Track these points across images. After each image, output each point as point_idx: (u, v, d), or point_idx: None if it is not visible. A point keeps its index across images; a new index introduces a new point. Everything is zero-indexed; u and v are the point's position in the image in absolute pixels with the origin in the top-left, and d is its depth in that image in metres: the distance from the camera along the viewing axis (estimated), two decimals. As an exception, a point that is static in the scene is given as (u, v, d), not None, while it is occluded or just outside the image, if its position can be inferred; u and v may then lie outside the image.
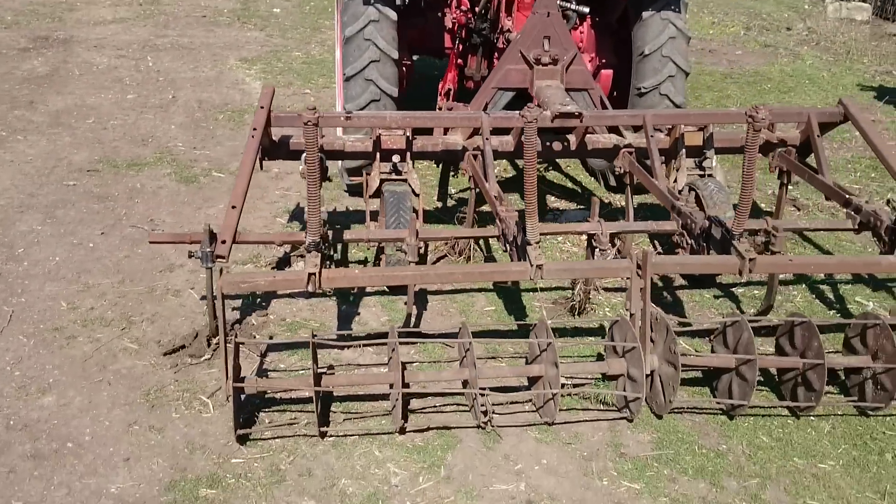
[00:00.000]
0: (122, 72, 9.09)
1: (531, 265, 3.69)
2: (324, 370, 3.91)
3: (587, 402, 4.00)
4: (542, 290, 4.95)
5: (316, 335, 3.79)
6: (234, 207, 4.01)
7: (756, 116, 3.52)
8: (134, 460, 3.50)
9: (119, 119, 7.58)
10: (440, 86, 6.22)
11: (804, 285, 5.12)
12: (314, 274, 3.54)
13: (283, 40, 10.66)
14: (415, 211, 4.77)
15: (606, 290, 4.97)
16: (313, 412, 3.61)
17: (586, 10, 5.65)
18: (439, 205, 6.01)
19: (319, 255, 3.63)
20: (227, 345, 3.44)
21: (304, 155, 3.69)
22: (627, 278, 3.81)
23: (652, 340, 3.82)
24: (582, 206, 6.09)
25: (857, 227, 4.44)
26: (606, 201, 6.15)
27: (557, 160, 6.86)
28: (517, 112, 5.01)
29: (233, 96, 8.44)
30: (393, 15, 5.40)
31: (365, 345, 4.27)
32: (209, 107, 7.95)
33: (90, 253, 5.15)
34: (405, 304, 4.73)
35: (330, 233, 4.13)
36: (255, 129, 4.38)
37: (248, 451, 3.58)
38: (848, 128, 7.82)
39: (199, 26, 11.40)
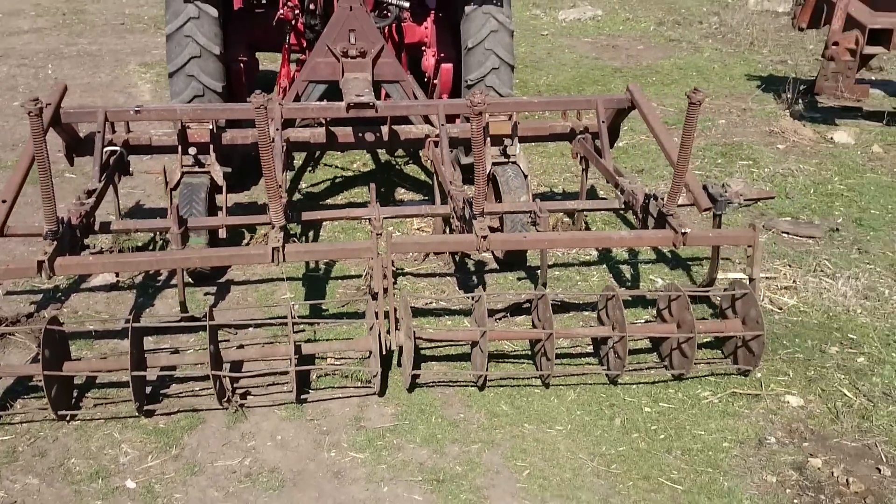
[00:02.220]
0: (19, 80, 9.24)
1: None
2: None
3: (345, 381, 4.12)
4: (345, 277, 5.08)
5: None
6: (3, 202, 4.15)
7: (473, 101, 3.66)
8: None
9: (-4, 126, 7.72)
10: (277, 81, 6.35)
11: (605, 265, 5.26)
12: (43, 261, 3.67)
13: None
14: (213, 203, 4.91)
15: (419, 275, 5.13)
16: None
17: (406, 4, 5.79)
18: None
19: (55, 243, 3.76)
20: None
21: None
22: (370, 259, 3.94)
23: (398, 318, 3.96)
24: (426, 197, 6.22)
25: (622, 206, 4.59)
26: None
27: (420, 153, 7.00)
28: (320, 103, 5.19)
29: (117, 99, 8.59)
30: (213, 12, 5.54)
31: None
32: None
33: None
34: (205, 294, 4.91)
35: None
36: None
37: (-9, 434, 3.71)
38: (708, 117, 8.00)
39: (113, 34, 11.56)
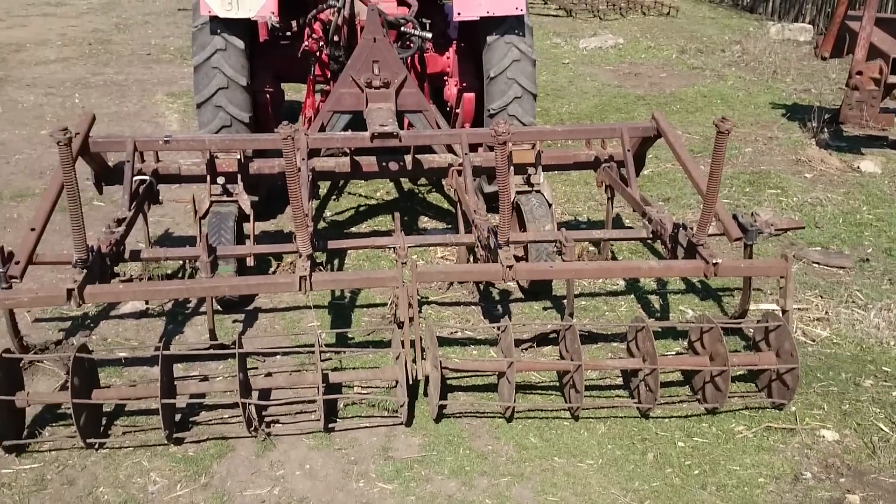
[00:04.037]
0: (46, 109, 9.35)
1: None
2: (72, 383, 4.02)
3: (372, 410, 4.10)
4: (370, 306, 5.07)
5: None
6: (32, 230, 4.18)
7: (497, 130, 3.66)
8: None
9: (25, 153, 7.81)
10: (301, 111, 6.40)
11: (633, 295, 5.22)
12: (73, 289, 3.68)
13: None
14: (241, 232, 4.94)
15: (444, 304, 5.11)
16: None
17: (428, 35, 5.83)
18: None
19: (85, 271, 3.77)
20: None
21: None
22: (395, 288, 3.93)
23: (423, 348, 3.94)
24: (449, 226, 6.22)
25: (650, 235, 4.56)
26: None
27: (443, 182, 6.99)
28: (345, 133, 5.22)
29: (144, 129, 8.67)
30: (240, 43, 5.60)
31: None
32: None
33: (-59, 280, 5.31)
34: (233, 322, 4.91)
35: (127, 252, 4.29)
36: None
37: (20, 462, 3.71)
38: (734, 145, 7.96)
39: (140, 64, 11.69)
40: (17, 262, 3.95)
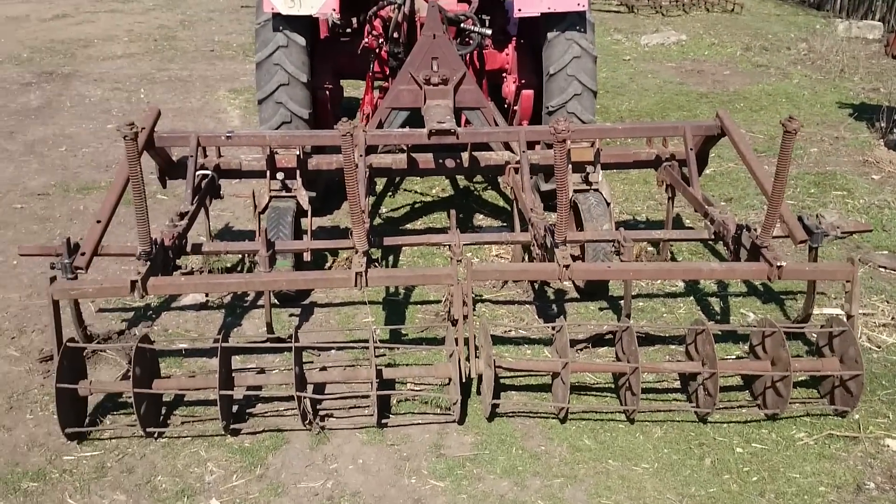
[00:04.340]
0: (113, 103, 9.58)
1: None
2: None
3: (425, 407, 4.10)
4: (424, 303, 5.08)
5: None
6: (98, 222, 4.28)
7: (557, 128, 3.62)
8: (-25, 455, 3.76)
9: (92, 147, 8.01)
10: (360, 108, 6.43)
11: (692, 297, 5.13)
12: (136, 281, 3.76)
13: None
14: (299, 227, 4.99)
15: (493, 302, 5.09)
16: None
17: (488, 32, 5.80)
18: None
19: (149, 263, 3.85)
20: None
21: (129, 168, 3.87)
22: (449, 286, 3.92)
23: (477, 346, 3.92)
24: (504, 224, 6.19)
25: (711, 237, 4.47)
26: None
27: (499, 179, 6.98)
28: (403, 130, 5.24)
29: (207, 124, 8.82)
30: (301, 40, 5.64)
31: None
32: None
33: (11, 270, 5.49)
34: (290, 316, 4.97)
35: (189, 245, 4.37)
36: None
37: (82, 449, 3.80)
38: (800, 145, 7.77)
39: (204, 60, 11.89)
40: (82, 254, 4.04)
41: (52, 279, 3.86)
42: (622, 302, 4.55)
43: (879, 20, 13.89)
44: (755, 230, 4.14)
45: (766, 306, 5.02)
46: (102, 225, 4.26)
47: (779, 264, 3.93)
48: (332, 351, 4.49)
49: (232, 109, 9.43)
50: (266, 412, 4.07)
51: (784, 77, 10.60)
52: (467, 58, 6.12)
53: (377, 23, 6.10)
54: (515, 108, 6.36)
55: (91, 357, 4.41)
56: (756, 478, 3.62)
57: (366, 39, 6.08)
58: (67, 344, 3.74)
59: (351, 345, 4.42)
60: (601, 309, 5.03)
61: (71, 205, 6.59)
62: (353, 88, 8.77)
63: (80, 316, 4.21)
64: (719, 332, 4.58)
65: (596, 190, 5.09)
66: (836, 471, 3.66)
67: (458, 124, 5.22)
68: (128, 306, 5.01)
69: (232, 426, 3.86)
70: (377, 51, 6.18)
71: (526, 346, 4.64)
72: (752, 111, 9.14)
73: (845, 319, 4.01)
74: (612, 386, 4.23)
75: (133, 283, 3.77)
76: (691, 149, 4.88)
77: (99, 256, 4.31)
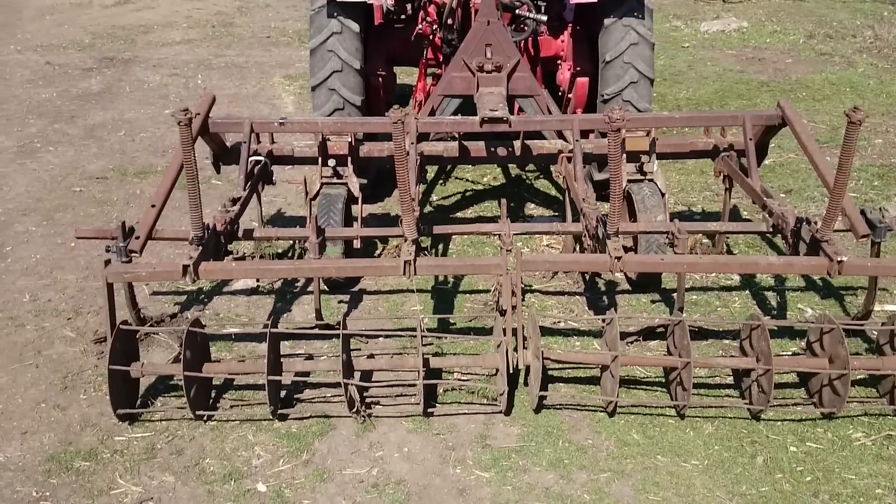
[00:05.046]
0: (171, 89, 9.72)
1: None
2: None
3: (472, 396, 4.08)
4: (473, 292, 5.05)
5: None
6: (153, 206, 4.33)
7: (611, 116, 3.55)
8: (30, 434, 3.85)
9: (149, 132, 8.14)
10: (413, 95, 6.41)
11: (748, 291, 5.01)
12: (188, 265, 3.80)
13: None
14: (349, 213, 5.00)
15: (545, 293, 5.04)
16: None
17: (544, 18, 5.73)
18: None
19: (201, 248, 3.89)
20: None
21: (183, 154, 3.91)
22: (499, 276, 3.88)
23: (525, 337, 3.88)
24: (556, 213, 6.12)
25: (769, 229, 4.35)
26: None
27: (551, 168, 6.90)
28: (454, 117, 5.20)
29: (261, 110, 8.89)
30: (356, 27, 5.64)
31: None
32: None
33: (69, 252, 5.61)
34: (339, 302, 4.98)
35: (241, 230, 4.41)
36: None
37: (133, 430, 3.88)
38: (864, 136, 7.53)
39: (260, 46, 11.99)
40: (136, 237, 4.10)
41: (107, 262, 3.92)
42: (675, 295, 4.46)
43: (952, 6, 13.37)
44: (815, 223, 4.01)
45: (824, 302, 4.88)
46: (157, 209, 4.32)
47: (839, 259, 3.80)
48: (380, 339, 4.49)
49: (286, 96, 9.49)
50: (313, 398, 4.09)
51: (849, 66, 10.27)
52: (522, 45, 6.04)
53: (431, 9, 6.05)
54: (570, 95, 6.27)
55: (144, 340, 4.48)
56: (810, 478, 3.52)
57: (419, 26, 6.04)
58: (120, 326, 3.80)
59: (398, 333, 4.42)
60: (653, 301, 4.95)
61: (128, 188, 6.71)
62: (406, 75, 8.74)
63: (133, 299, 4.27)
64: (775, 328, 4.46)
65: (651, 180, 4.99)
66: (895, 473, 3.54)
67: (511, 112, 5.16)
68: (181, 290, 5.08)
69: (280, 411, 3.90)
70: (431, 37, 6.13)
71: (575, 337, 4.58)
72: (814, 101, 8.88)
73: (908, 317, 3.87)
74: (663, 380, 4.16)
75: (185, 267, 3.81)
76: (750, 139, 4.75)
77: (153, 240, 4.37)
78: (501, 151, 5.31)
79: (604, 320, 4.10)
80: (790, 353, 4.30)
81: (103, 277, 3.85)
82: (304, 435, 3.83)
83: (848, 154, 3.65)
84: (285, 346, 4.36)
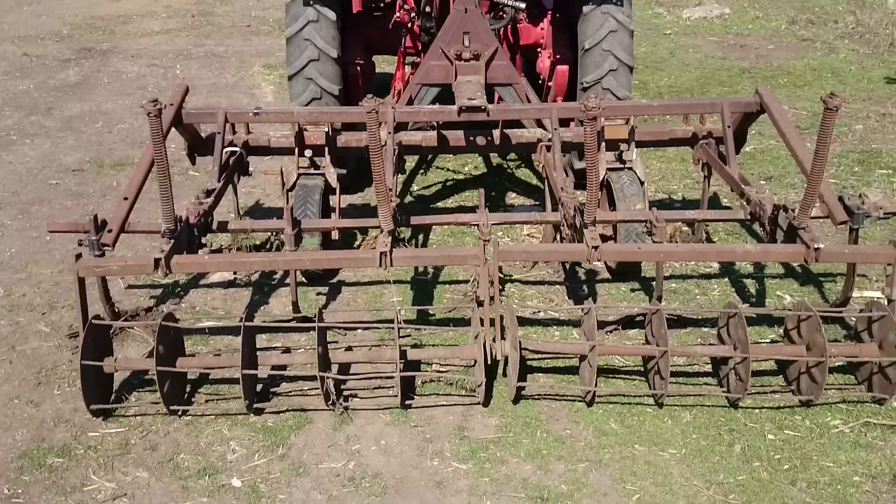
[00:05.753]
0: (149, 79, 9.62)
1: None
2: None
3: (450, 388, 4.05)
4: (453, 282, 5.02)
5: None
6: (125, 199, 4.28)
7: (587, 104, 3.52)
8: (2, 430, 3.80)
9: (127, 123, 8.06)
10: (392, 84, 6.35)
11: (727, 279, 5.00)
12: (160, 259, 3.75)
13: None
14: (327, 204, 4.95)
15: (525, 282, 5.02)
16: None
17: (522, 5, 5.68)
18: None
19: (173, 241, 3.84)
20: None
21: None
22: (476, 266, 3.85)
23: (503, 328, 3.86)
24: (537, 203, 6.09)
25: (748, 217, 4.34)
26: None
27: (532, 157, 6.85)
28: (432, 107, 5.15)
29: (241, 100, 8.82)
30: (332, 15, 5.58)
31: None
32: (212, 111, 8.33)
33: (44, 246, 5.54)
34: (317, 294, 4.94)
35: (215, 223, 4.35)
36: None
37: (107, 425, 3.83)
38: (844, 121, 7.53)
39: (239, 36, 11.88)
40: (109, 231, 4.05)
41: (78, 256, 3.86)
42: (654, 283, 4.44)
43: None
44: (793, 211, 4.00)
45: (803, 289, 4.87)
46: (130, 202, 4.27)
47: (816, 246, 3.79)
48: (358, 331, 4.46)
49: (266, 85, 9.42)
50: (290, 392, 4.06)
51: (830, 51, 10.28)
52: (500, 32, 6.00)
53: (410, -4, 6.01)
54: (550, 83, 6.23)
55: (119, 334, 4.43)
56: (788, 466, 3.52)
57: (398, 14, 5.98)
58: (92, 321, 3.74)
59: (376, 325, 4.38)
60: (633, 290, 4.93)
61: (105, 181, 6.63)
62: (387, 64, 8.68)
63: (107, 293, 4.22)
64: (753, 316, 4.45)
65: (630, 168, 4.96)
66: (872, 460, 3.54)
67: (491, 101, 5.12)
68: (157, 283, 5.02)
69: (255, 405, 3.86)
70: (409, 25, 6.08)
71: (555, 327, 4.56)
72: (795, 87, 8.89)
73: (886, 304, 3.87)
74: (641, 369, 4.14)
75: (157, 260, 3.76)
76: (729, 126, 4.73)
77: (128, 233, 4.31)
78: (480, 141, 5.27)
79: (582, 310, 4.08)
80: (768, 341, 4.30)
81: (74, 272, 3.80)
82: (281, 429, 3.79)
83: (824, 140, 3.64)
84: (262, 340, 4.31)
